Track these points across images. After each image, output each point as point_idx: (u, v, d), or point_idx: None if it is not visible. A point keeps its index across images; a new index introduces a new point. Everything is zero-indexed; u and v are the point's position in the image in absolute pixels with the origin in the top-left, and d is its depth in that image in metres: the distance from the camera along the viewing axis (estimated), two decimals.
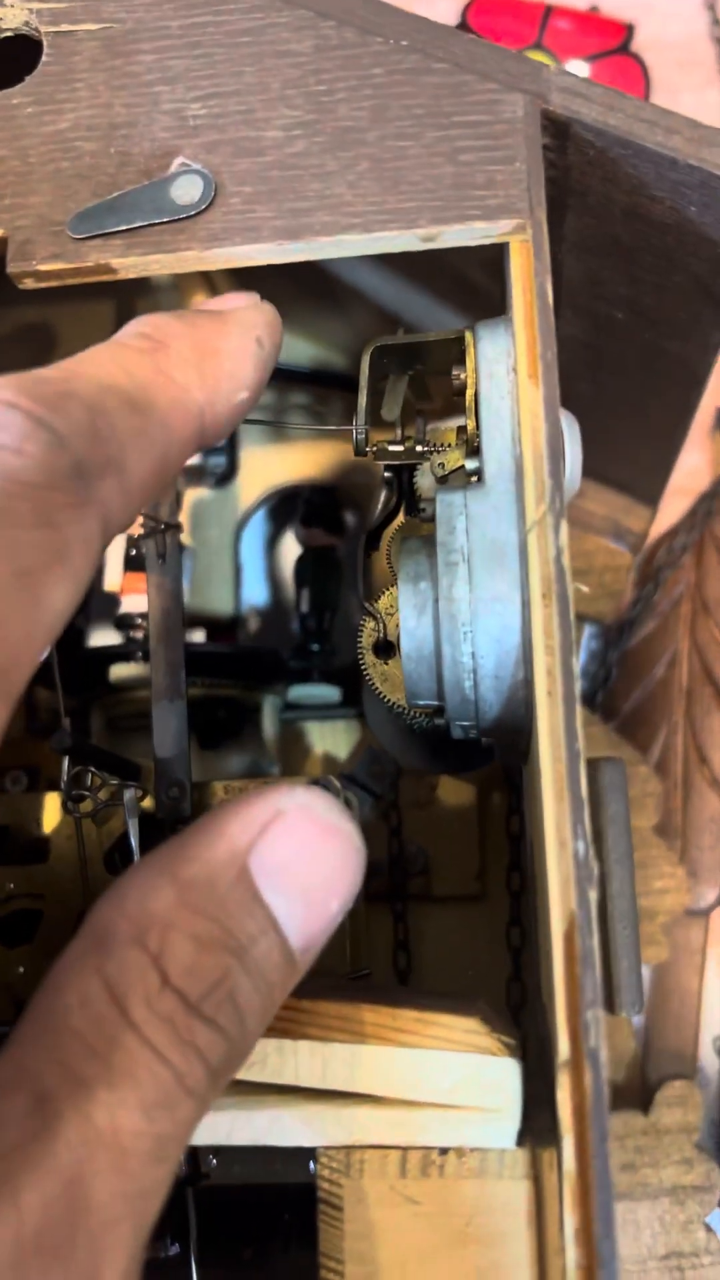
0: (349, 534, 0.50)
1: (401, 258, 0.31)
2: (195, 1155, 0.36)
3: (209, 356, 0.26)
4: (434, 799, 0.46)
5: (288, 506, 0.53)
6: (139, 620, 0.44)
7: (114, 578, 0.44)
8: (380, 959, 0.45)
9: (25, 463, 0.21)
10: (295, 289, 0.50)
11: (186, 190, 0.31)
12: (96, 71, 0.32)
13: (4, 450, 0.21)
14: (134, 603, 0.44)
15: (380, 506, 0.37)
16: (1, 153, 0.32)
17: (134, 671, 0.43)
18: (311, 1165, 0.38)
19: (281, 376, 0.47)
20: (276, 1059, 0.29)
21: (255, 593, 0.53)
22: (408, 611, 0.30)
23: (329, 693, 0.47)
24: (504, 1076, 0.28)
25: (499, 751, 0.38)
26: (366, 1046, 0.29)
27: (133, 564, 0.44)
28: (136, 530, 0.44)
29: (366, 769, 0.46)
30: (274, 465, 0.52)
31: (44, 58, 0.33)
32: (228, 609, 0.51)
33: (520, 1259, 0.27)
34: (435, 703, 0.31)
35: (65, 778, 0.37)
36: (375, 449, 0.34)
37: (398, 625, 0.35)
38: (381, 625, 0.35)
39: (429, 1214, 0.28)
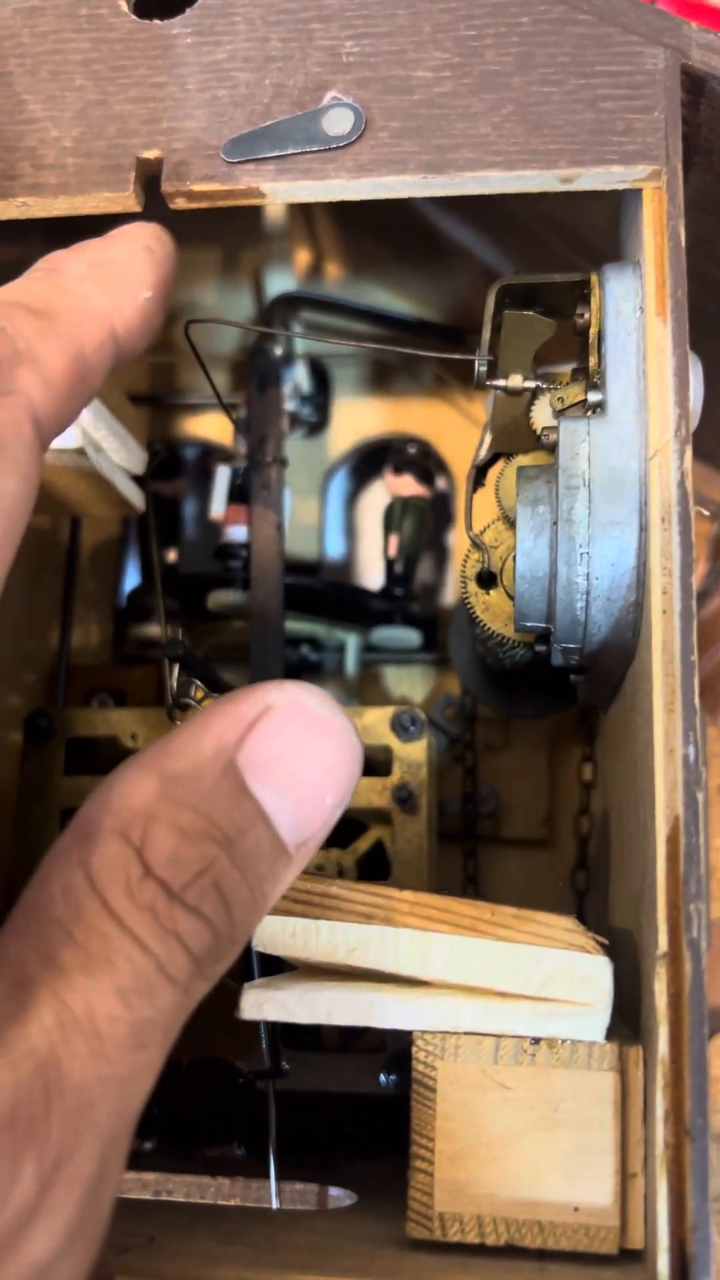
0: (436, 488, 0.52)
1: (503, 225, 0.32)
2: (276, 1052, 0.37)
3: (102, 266, 0.27)
4: (508, 744, 0.48)
5: (373, 460, 0.55)
6: (240, 550, 0.45)
7: (218, 508, 0.46)
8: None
9: None
10: (398, 249, 0.52)
11: (337, 122, 0.33)
12: (254, 6, 0.34)
13: None
14: (235, 534, 0.46)
15: (486, 445, 0.39)
16: (160, 79, 0.34)
17: (232, 599, 0.45)
18: (382, 1077, 0.40)
19: (384, 323, 0.48)
20: (378, 946, 0.30)
21: (335, 542, 0.55)
22: (525, 533, 0.32)
23: (410, 636, 0.48)
24: (597, 973, 0.29)
25: (585, 690, 0.40)
26: (466, 938, 0.30)
27: (236, 496, 0.46)
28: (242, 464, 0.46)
29: (442, 711, 0.47)
30: (365, 419, 0.54)
31: None
32: (311, 554, 0.53)
33: (604, 1145, 0.29)
34: (543, 625, 0.33)
35: (174, 685, 0.38)
36: (491, 383, 0.36)
37: (501, 556, 0.37)
38: (486, 556, 0.37)
39: (518, 1099, 0.29)
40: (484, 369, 0.35)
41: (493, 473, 0.38)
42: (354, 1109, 0.40)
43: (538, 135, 0.32)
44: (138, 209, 0.34)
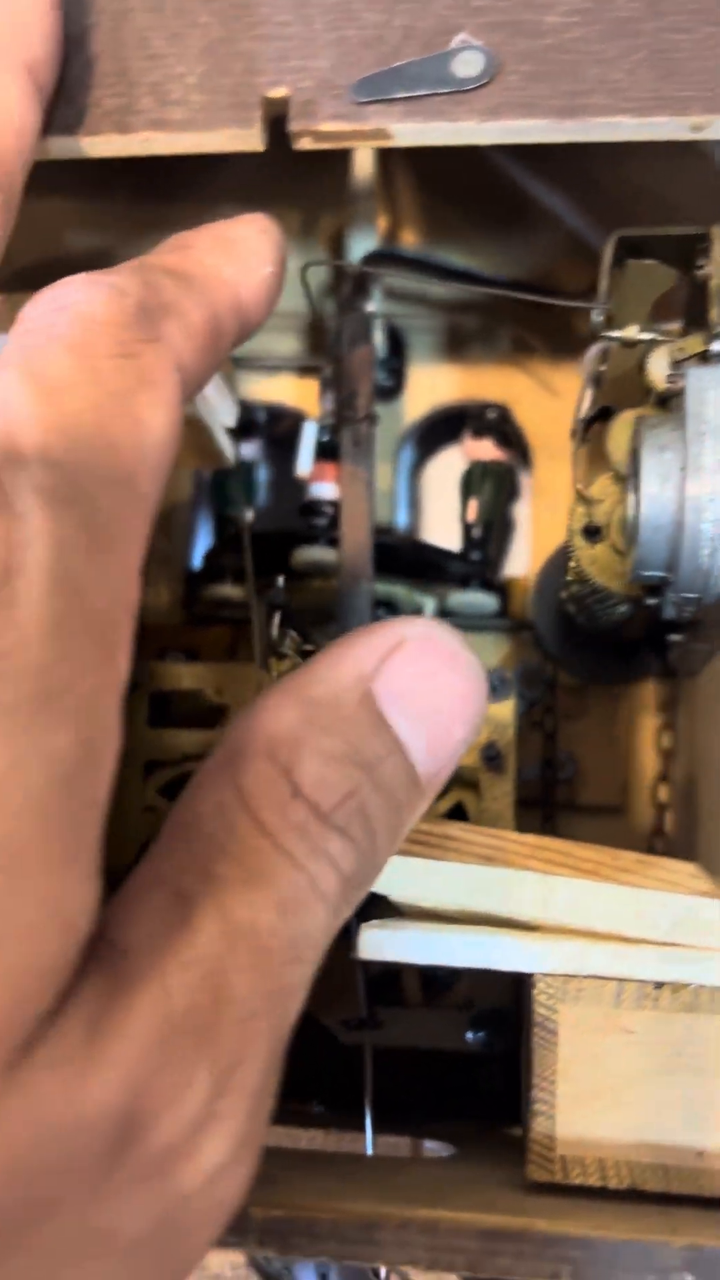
0: (515, 453, 0.51)
1: (589, 192, 0.32)
2: (372, 1002, 0.37)
3: (228, 243, 0.29)
4: (586, 711, 0.48)
5: (440, 429, 0.55)
6: (325, 508, 0.45)
7: (305, 465, 0.46)
8: None
9: (95, 307, 0.23)
10: (477, 215, 0.52)
11: (468, 65, 0.32)
12: None
13: (75, 301, 0.23)
14: (320, 491, 0.46)
15: (588, 401, 0.39)
16: (286, 17, 0.34)
17: (318, 556, 0.45)
18: (469, 1035, 0.40)
19: (477, 284, 0.48)
20: (500, 888, 0.30)
21: (401, 509, 0.55)
22: (650, 480, 0.32)
23: (488, 601, 0.48)
24: None
25: (680, 651, 0.40)
26: (590, 882, 0.30)
27: (322, 452, 0.45)
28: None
29: (520, 676, 0.47)
30: (440, 385, 0.54)
31: None
32: (384, 518, 0.53)
33: None
34: (662, 574, 0.33)
35: (274, 633, 0.38)
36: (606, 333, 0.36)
37: (607, 510, 0.37)
38: (591, 509, 0.37)
39: (641, 1042, 0.29)
40: (601, 319, 0.35)
41: (619, 419, 0.37)
42: (441, 1065, 0.40)
43: (669, 82, 0.32)
44: (260, 148, 0.34)
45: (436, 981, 0.40)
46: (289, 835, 0.21)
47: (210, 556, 0.51)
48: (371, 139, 0.33)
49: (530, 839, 0.31)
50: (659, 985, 0.29)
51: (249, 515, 0.50)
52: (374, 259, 0.46)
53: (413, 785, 0.24)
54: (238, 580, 0.50)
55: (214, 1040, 0.19)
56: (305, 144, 0.33)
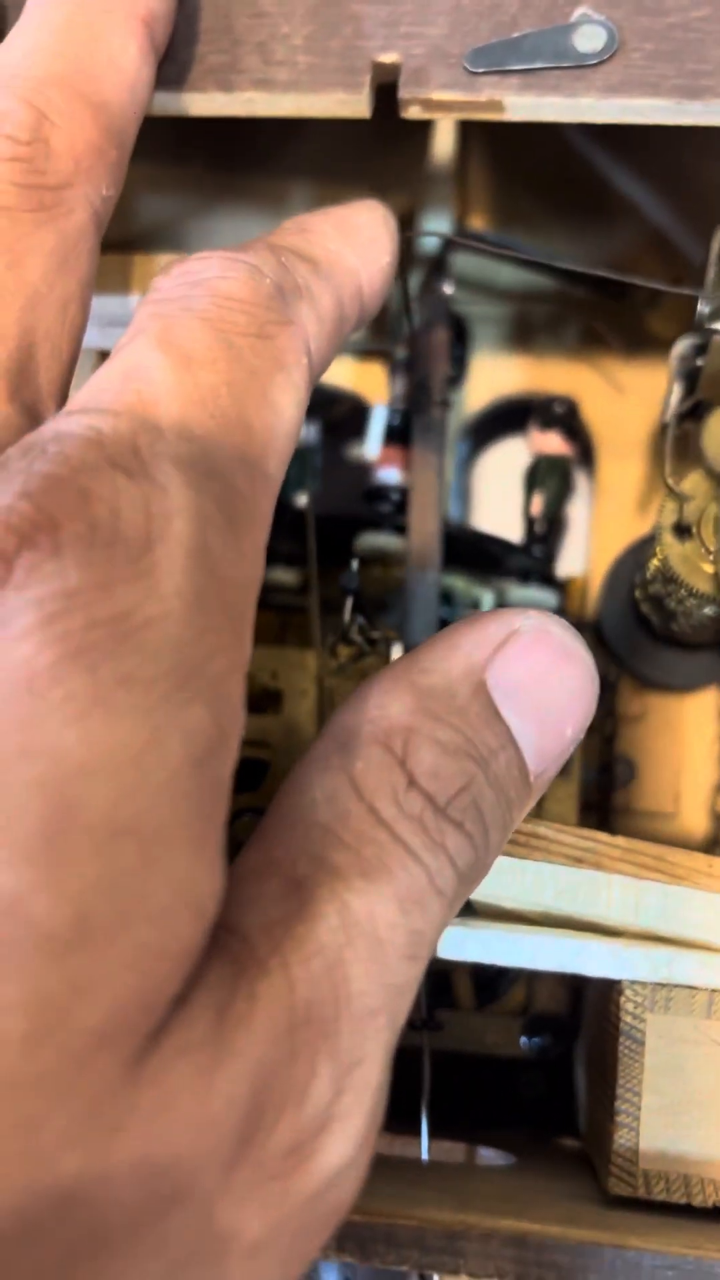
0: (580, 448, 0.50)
1: (675, 185, 0.31)
2: (432, 1004, 0.36)
3: (349, 229, 0.29)
4: (645, 715, 0.47)
5: (506, 419, 0.54)
6: (392, 494, 0.44)
7: (374, 449, 0.44)
8: None
9: (232, 285, 0.23)
10: (553, 203, 0.51)
11: (589, 39, 0.31)
12: None
13: (211, 277, 0.23)
14: (386, 476, 0.45)
15: (678, 396, 0.38)
16: None
17: (384, 543, 0.44)
18: (524, 1040, 0.39)
19: (555, 273, 0.47)
20: (588, 891, 0.29)
21: (457, 499, 0.54)
22: None
23: (548, 598, 0.47)
24: None
25: None
26: (682, 888, 0.29)
27: (392, 436, 0.44)
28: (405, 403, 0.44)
29: None
30: (503, 375, 0.53)
31: None
32: (444, 509, 0.52)
33: None
34: None
35: (346, 618, 0.37)
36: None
37: (699, 507, 0.36)
38: (682, 505, 0.36)
39: None
40: (706, 310, 0.34)
41: (715, 416, 0.36)
42: (488, 1071, 0.39)
43: None
44: (367, 114, 0.33)
45: (489, 985, 0.39)
46: (406, 827, 0.21)
47: (291, 528, 0.49)
48: (485, 110, 0.32)
49: (622, 841, 0.30)
50: None
51: (304, 499, 0.49)
52: (450, 243, 0.45)
53: (524, 782, 0.23)
54: (290, 564, 0.49)
55: (336, 1035, 0.19)
56: (414, 112, 0.32)
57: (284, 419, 0.22)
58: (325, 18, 0.33)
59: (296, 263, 0.25)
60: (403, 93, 0.32)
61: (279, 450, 0.22)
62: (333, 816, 0.21)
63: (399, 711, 0.22)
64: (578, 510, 0.53)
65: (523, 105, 0.32)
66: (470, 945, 0.29)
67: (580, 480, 0.53)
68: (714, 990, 0.28)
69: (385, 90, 0.33)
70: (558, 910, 0.29)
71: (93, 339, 0.35)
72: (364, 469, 0.46)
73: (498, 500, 0.54)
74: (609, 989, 0.29)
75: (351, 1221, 0.25)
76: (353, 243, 0.28)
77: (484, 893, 0.30)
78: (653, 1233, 0.26)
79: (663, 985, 0.28)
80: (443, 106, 0.32)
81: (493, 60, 0.32)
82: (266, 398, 0.22)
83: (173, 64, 0.33)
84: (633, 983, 0.28)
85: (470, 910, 0.32)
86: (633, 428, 0.51)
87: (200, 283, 0.23)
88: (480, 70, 0.32)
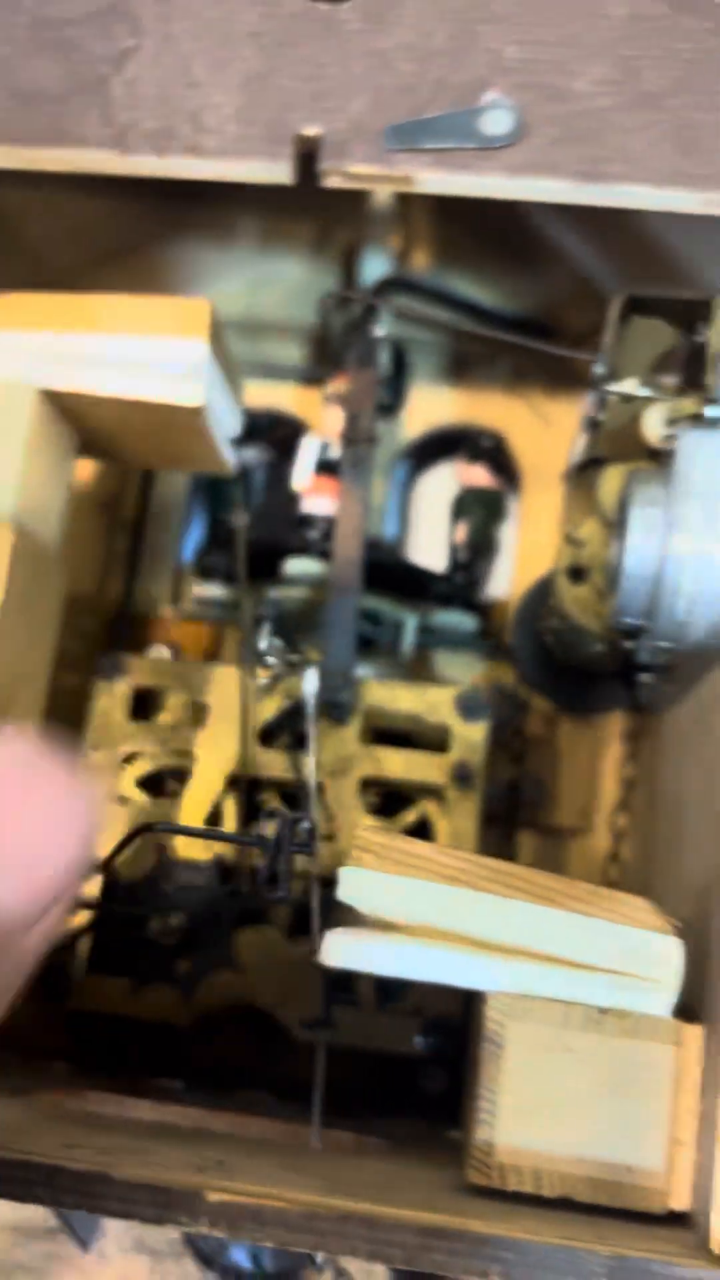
0: (507, 481, 0.53)
1: (606, 236, 0.33)
2: (330, 1006, 0.39)
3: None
4: (554, 737, 0.49)
5: (433, 449, 0.56)
6: (319, 522, 0.47)
7: (302, 478, 0.47)
8: None
9: None
10: (492, 246, 0.53)
11: (497, 122, 0.34)
12: (424, 1, 0.35)
13: None
14: (313, 505, 0.47)
15: (585, 446, 0.40)
16: (325, 60, 0.35)
17: (310, 569, 0.46)
18: (418, 1039, 0.42)
19: (482, 317, 0.49)
20: (465, 908, 0.32)
21: (391, 524, 0.56)
22: (636, 533, 0.33)
23: (468, 621, 0.50)
24: (670, 952, 0.31)
25: (649, 690, 0.41)
26: (546, 908, 0.32)
27: (321, 468, 0.47)
28: (333, 438, 0.47)
29: (494, 697, 0.49)
30: (438, 407, 0.55)
31: None
32: (373, 530, 0.54)
33: (659, 1113, 0.30)
34: (639, 622, 0.35)
35: (264, 643, 0.39)
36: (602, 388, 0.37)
37: (592, 554, 0.39)
38: (578, 552, 0.38)
39: (584, 1063, 0.31)
40: (603, 371, 0.37)
41: (610, 471, 0.39)
42: (386, 1067, 0.42)
43: (689, 159, 0.34)
44: (289, 182, 0.35)
45: (389, 987, 0.42)
46: None
47: (201, 556, 0.52)
48: (398, 184, 0.35)
49: (492, 863, 0.32)
50: (604, 1010, 0.31)
51: (242, 521, 0.51)
52: (388, 286, 0.48)
53: None
54: (226, 581, 0.51)
55: None
56: (334, 182, 0.35)
57: None
58: (255, 90, 0.35)
59: None
60: (323, 164, 0.34)
61: None
62: None
63: None
64: (506, 538, 0.56)
65: (434, 181, 0.34)
66: (353, 954, 0.32)
67: (512, 506, 0.56)
68: (571, 1003, 0.31)
69: (310, 159, 0.35)
70: (436, 925, 0.32)
71: (39, 376, 0.38)
72: (297, 495, 0.48)
73: (436, 519, 0.56)
74: (479, 997, 0.32)
75: (224, 1201, 0.28)
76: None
77: (371, 906, 0.32)
78: (498, 1218, 0.29)
79: (525, 996, 0.31)
80: (360, 179, 0.35)
81: (407, 138, 0.34)
82: None
83: (111, 127, 0.35)
84: (497, 993, 0.31)
85: (357, 918, 0.35)
86: (558, 459, 0.54)
87: None
88: (396, 148, 0.34)
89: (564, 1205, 0.30)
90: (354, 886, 0.32)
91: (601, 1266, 0.27)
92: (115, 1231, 0.49)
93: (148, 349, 0.38)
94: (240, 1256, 0.48)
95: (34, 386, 0.38)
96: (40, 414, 0.38)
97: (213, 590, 0.52)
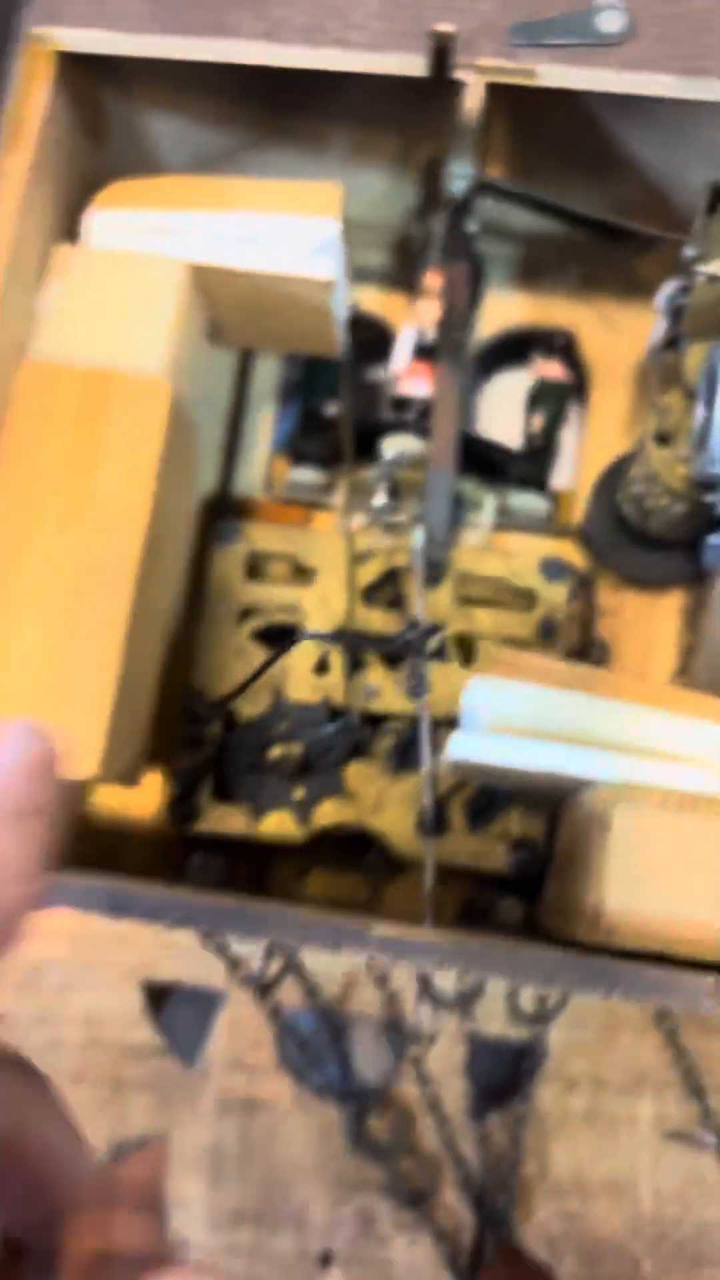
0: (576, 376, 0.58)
1: (678, 141, 0.37)
2: (440, 818, 0.43)
3: None
4: (621, 607, 0.54)
5: (511, 349, 0.61)
6: (414, 402, 0.51)
7: (401, 362, 0.51)
8: None
9: None
10: (569, 156, 0.57)
11: (610, 21, 0.38)
12: None
13: None
14: (409, 387, 0.51)
15: (667, 328, 0.45)
16: None
17: (404, 446, 0.51)
18: (506, 858, 0.47)
19: (570, 220, 0.53)
20: (575, 710, 0.37)
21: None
22: None
23: (541, 504, 0.55)
24: None
25: (715, 555, 0.46)
26: (649, 709, 0.36)
27: (418, 353, 0.51)
28: (430, 325, 0.51)
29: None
30: (511, 309, 0.60)
31: None
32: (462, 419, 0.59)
33: None
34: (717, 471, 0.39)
35: (385, 501, 0.44)
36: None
37: (675, 421, 0.43)
38: (664, 419, 0.43)
39: (680, 840, 0.36)
40: (693, 254, 0.41)
41: (695, 349, 0.44)
42: (468, 910, 0.47)
43: None
44: (424, 74, 0.39)
45: (479, 812, 0.47)
46: None
47: (296, 442, 0.56)
48: (521, 77, 0.39)
49: (599, 673, 0.37)
50: (697, 797, 0.36)
51: (333, 409, 0.55)
52: (478, 190, 0.52)
53: None
54: (319, 464, 0.56)
55: None
56: (463, 75, 0.39)
57: None
58: None
59: None
60: (456, 58, 0.39)
61: None
62: None
63: None
64: (567, 435, 0.61)
65: (553, 74, 0.39)
66: (477, 749, 0.36)
67: (570, 410, 0.60)
68: (668, 790, 0.36)
69: (442, 53, 0.39)
70: (551, 726, 0.37)
71: (185, 251, 0.42)
72: (381, 386, 0.53)
73: (500, 421, 0.61)
74: (586, 789, 0.37)
75: (385, 935, 0.33)
76: None
77: (494, 711, 0.37)
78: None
79: (628, 784, 0.36)
80: (488, 71, 0.39)
81: (531, 35, 0.38)
82: None
83: (265, 21, 0.39)
84: (604, 781, 0.36)
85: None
86: (622, 361, 0.58)
87: None
88: (520, 43, 0.38)
89: (661, 960, 0.35)
90: (481, 694, 0.37)
91: (707, 989, 0.32)
92: (217, 1050, 0.54)
93: (284, 226, 0.42)
94: (332, 1071, 0.53)
95: (181, 260, 0.42)
96: (186, 286, 0.43)
97: (306, 474, 0.56)
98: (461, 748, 0.37)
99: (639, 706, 0.37)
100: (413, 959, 0.32)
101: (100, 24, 0.40)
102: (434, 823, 0.42)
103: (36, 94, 0.41)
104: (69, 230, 0.44)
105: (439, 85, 0.41)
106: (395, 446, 0.51)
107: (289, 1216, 0.52)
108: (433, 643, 0.37)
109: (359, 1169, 0.52)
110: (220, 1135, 0.53)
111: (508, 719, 0.37)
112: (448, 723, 0.46)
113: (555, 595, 0.48)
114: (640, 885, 0.36)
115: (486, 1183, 0.51)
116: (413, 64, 0.39)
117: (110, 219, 0.43)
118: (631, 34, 0.38)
